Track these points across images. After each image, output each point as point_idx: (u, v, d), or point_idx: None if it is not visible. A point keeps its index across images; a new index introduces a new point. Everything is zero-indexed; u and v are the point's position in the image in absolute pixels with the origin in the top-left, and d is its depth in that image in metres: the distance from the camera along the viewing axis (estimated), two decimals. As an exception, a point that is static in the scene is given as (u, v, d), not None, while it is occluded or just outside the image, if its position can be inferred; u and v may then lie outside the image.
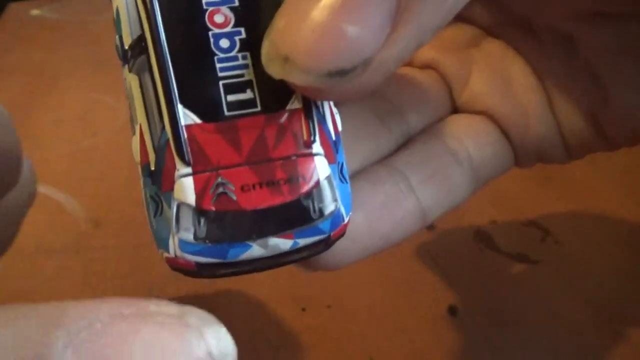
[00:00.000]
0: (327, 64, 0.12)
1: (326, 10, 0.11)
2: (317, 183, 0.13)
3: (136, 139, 0.14)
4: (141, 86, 0.13)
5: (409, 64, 0.24)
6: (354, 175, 0.19)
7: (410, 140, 0.21)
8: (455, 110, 0.23)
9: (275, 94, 0.13)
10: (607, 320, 0.29)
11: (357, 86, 0.12)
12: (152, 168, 0.13)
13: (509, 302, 0.31)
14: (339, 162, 0.14)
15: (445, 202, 0.20)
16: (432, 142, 0.21)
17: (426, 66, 0.23)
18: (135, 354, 0.09)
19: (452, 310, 0.30)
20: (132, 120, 0.14)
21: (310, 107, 0.13)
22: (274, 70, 0.12)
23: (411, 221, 0.19)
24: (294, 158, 0.13)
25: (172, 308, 0.10)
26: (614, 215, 0.36)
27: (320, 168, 0.13)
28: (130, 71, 0.14)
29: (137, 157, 0.14)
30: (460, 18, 0.23)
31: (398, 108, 0.21)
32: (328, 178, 0.13)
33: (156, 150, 0.13)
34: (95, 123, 0.48)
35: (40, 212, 0.38)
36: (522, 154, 0.22)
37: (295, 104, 0.13)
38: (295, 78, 0.12)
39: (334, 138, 0.14)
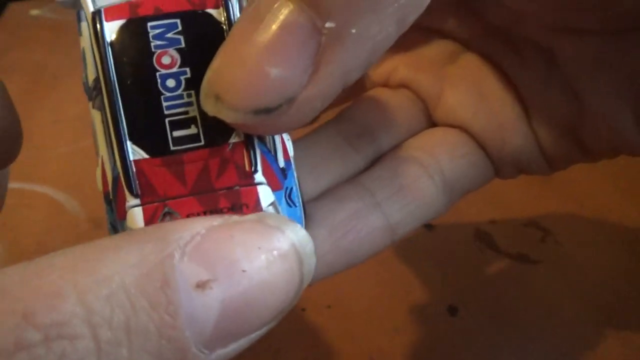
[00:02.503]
0: (253, 102, 0.12)
1: (253, 54, 0.12)
2: (260, 210, 0.14)
3: (99, 170, 0.15)
4: (102, 121, 0.14)
5: (384, 84, 0.24)
6: (321, 194, 0.19)
7: (381, 157, 0.21)
8: (433, 127, 0.23)
9: (218, 129, 0.14)
10: (607, 320, 0.30)
11: (285, 122, 0.13)
12: (111, 197, 0.14)
13: (508, 302, 0.31)
14: (287, 187, 0.15)
15: (415, 217, 0.20)
16: (402, 156, 0.21)
17: (400, 85, 0.23)
18: (235, 251, 0.11)
19: (452, 310, 0.30)
20: (96, 151, 0.15)
21: (252, 140, 0.14)
22: (208, 107, 0.13)
23: (377, 236, 0.19)
24: (237, 188, 0.14)
25: (252, 215, 0.13)
26: (613, 215, 0.36)
27: (264, 196, 0.14)
28: (93, 107, 0.15)
29: (100, 187, 0.15)
30: (438, 32, 0.23)
31: (367, 129, 0.21)
32: (272, 204, 0.14)
33: (112, 182, 0.14)
34: (95, 123, 0.48)
35: (40, 212, 0.38)
36: (501, 166, 0.22)
37: (237, 138, 0.14)
38: (225, 115, 0.13)
39: (282, 165, 0.15)
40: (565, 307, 0.30)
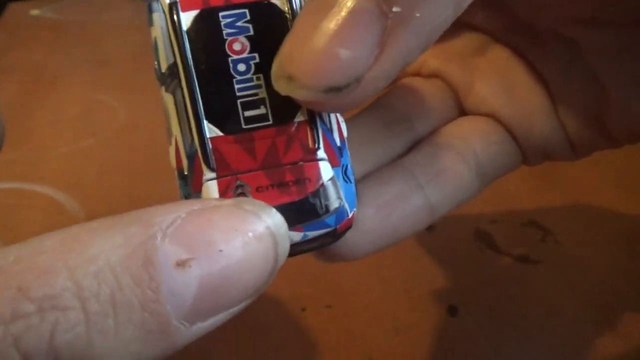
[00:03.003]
0: (324, 82, 0.14)
1: (323, 36, 0.13)
2: (322, 184, 0.15)
3: (172, 149, 0.16)
4: (175, 104, 0.16)
5: (417, 74, 0.25)
6: (366, 176, 0.20)
7: (419, 143, 0.22)
8: (463, 115, 0.24)
9: (284, 109, 0.15)
10: (606, 320, 0.30)
11: (351, 100, 0.14)
12: (185, 173, 0.16)
13: (509, 302, 0.31)
14: (343, 165, 0.16)
15: (452, 199, 0.21)
16: (439, 142, 0.22)
17: (432, 76, 0.24)
18: (213, 233, 0.12)
19: (452, 310, 0.30)
20: (169, 132, 0.16)
21: (314, 119, 0.15)
22: (280, 87, 0.14)
23: (419, 216, 0.20)
24: (301, 163, 0.15)
25: (229, 201, 0.13)
26: (614, 214, 0.36)
27: (324, 171, 0.15)
28: (166, 91, 0.16)
29: (173, 164, 0.16)
30: (467, 26, 0.23)
31: (405, 116, 0.22)
32: (332, 179, 0.15)
33: (188, 158, 0.15)
34: (94, 123, 0.48)
35: (40, 212, 0.38)
36: (529, 153, 0.23)
37: (301, 117, 0.15)
38: (298, 94, 0.14)
39: (338, 144, 0.16)
40: (565, 307, 0.30)
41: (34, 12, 0.71)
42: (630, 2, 0.18)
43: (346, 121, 0.22)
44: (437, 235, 0.35)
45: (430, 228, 0.35)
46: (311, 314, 0.30)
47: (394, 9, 0.13)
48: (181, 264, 0.12)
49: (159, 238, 0.12)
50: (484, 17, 0.23)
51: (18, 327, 0.10)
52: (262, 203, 0.14)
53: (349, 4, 0.13)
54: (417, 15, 0.14)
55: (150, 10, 0.17)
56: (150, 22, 0.17)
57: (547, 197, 0.38)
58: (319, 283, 0.32)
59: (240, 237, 0.13)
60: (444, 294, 0.31)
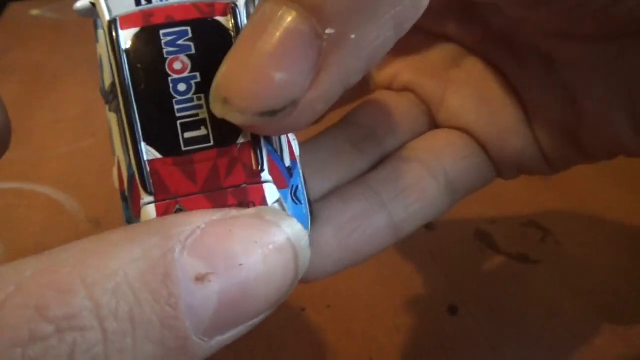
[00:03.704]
0: (258, 105, 0.13)
1: (257, 59, 0.13)
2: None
3: (115, 169, 0.16)
4: (118, 123, 0.15)
5: (387, 87, 0.24)
6: (327, 195, 0.20)
7: (386, 158, 0.22)
8: (436, 129, 0.23)
9: (226, 130, 0.14)
10: (607, 320, 0.29)
11: (290, 123, 0.14)
12: (127, 194, 0.15)
13: (508, 302, 0.31)
14: (292, 186, 0.16)
15: (419, 216, 0.20)
16: (406, 157, 0.21)
17: (404, 89, 0.24)
18: (233, 245, 0.12)
19: (452, 310, 0.30)
20: (113, 152, 0.16)
21: (258, 140, 0.15)
22: (216, 110, 0.14)
23: (382, 235, 0.20)
24: (244, 186, 0.14)
25: (250, 210, 0.13)
26: (614, 215, 0.36)
27: (270, 194, 0.15)
28: (109, 110, 0.16)
29: (117, 185, 0.16)
30: (441, 36, 0.23)
31: (372, 132, 0.22)
32: (278, 201, 0.15)
33: (127, 180, 0.15)
34: (94, 123, 0.48)
35: (40, 212, 0.38)
36: (503, 167, 0.22)
37: (244, 138, 0.15)
38: (233, 117, 0.14)
39: (287, 164, 0.16)
40: (565, 307, 0.30)
41: (34, 12, 0.71)
42: (603, 18, 0.18)
43: (312, 138, 0.21)
44: (437, 235, 0.35)
45: (430, 228, 0.35)
46: (311, 314, 0.30)
47: (328, 31, 0.13)
48: (200, 279, 0.12)
49: (177, 251, 0.12)
50: (458, 29, 0.22)
51: (36, 349, 0.10)
52: (283, 213, 0.13)
53: (283, 25, 0.13)
54: (353, 37, 0.13)
55: (95, 27, 0.16)
56: (96, 39, 0.16)
57: (547, 197, 0.38)
58: (318, 283, 0.32)
59: (260, 250, 0.12)
60: (444, 294, 0.31)
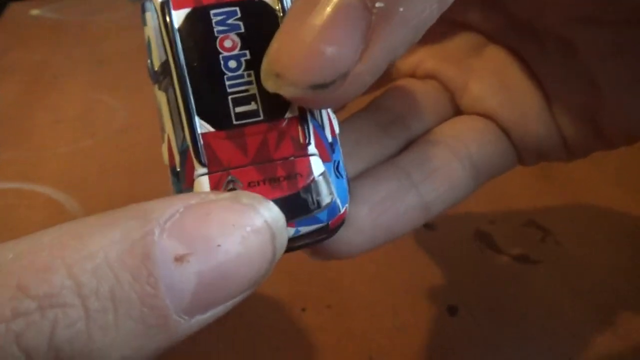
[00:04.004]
0: (310, 78, 0.14)
1: (308, 34, 0.14)
2: (313, 179, 0.15)
3: (165, 146, 0.16)
4: (168, 102, 0.16)
5: (412, 75, 0.25)
6: (360, 174, 0.20)
7: (413, 142, 0.22)
8: (459, 115, 0.23)
9: (275, 105, 0.15)
10: (607, 320, 0.30)
11: (339, 96, 0.14)
12: (178, 169, 0.16)
13: (508, 302, 0.31)
14: (334, 160, 0.16)
15: (446, 198, 0.21)
16: (433, 141, 0.22)
17: (428, 76, 0.24)
18: (211, 228, 0.12)
19: (452, 310, 0.30)
20: (162, 129, 0.16)
21: (305, 115, 0.15)
22: (269, 84, 0.14)
23: (413, 214, 0.20)
24: (292, 158, 0.15)
25: (226, 194, 0.13)
26: (614, 214, 0.36)
27: (316, 166, 0.15)
28: (159, 89, 0.16)
29: (166, 161, 0.16)
30: (463, 25, 0.23)
31: (399, 116, 0.22)
32: (323, 174, 0.15)
33: (180, 155, 0.16)
34: (94, 123, 0.48)
35: (40, 212, 0.38)
36: (524, 153, 0.23)
37: (292, 113, 0.15)
38: (285, 91, 0.14)
39: (330, 140, 0.16)
40: (565, 307, 0.30)
41: (34, 12, 0.71)
42: (625, 2, 0.18)
43: (341, 122, 0.22)
44: (437, 235, 0.35)
45: (430, 228, 0.35)
46: (311, 314, 0.30)
47: (378, 5, 0.14)
48: (179, 259, 0.12)
49: (156, 233, 0.12)
50: (480, 16, 0.23)
51: (19, 324, 0.11)
52: (259, 196, 0.14)
53: (333, 0, 0.13)
54: (401, 9, 0.14)
55: (143, 10, 0.17)
56: (143, 22, 0.17)
57: (547, 197, 0.38)
58: (318, 282, 0.32)
59: (238, 232, 0.13)
60: (444, 294, 0.31)
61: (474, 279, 0.32)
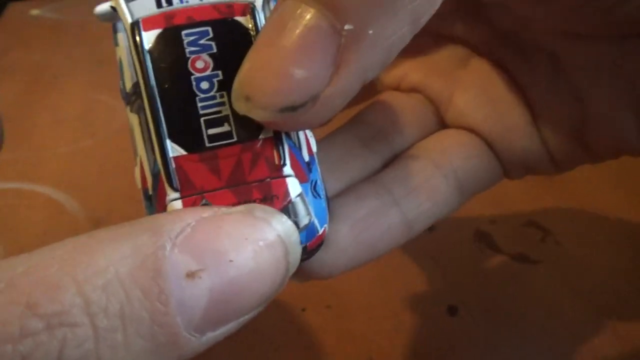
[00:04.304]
0: (280, 101, 0.13)
1: (278, 56, 0.13)
2: (290, 200, 0.15)
3: (138, 169, 0.16)
4: (140, 124, 0.16)
5: (397, 88, 0.24)
6: (341, 193, 0.20)
7: (397, 157, 0.22)
8: (444, 128, 0.23)
9: (248, 126, 0.15)
10: (607, 320, 0.29)
11: (310, 119, 0.14)
12: (150, 193, 0.15)
13: (508, 302, 0.31)
14: (312, 180, 0.16)
15: (430, 214, 0.20)
16: (416, 156, 0.21)
17: (413, 90, 0.24)
18: (223, 242, 0.12)
19: (452, 310, 0.30)
20: (134, 152, 0.16)
21: (280, 135, 0.15)
22: (239, 107, 0.14)
23: (396, 232, 0.20)
24: (267, 180, 0.15)
25: (239, 207, 0.13)
26: (614, 215, 0.36)
27: (292, 187, 0.15)
28: (131, 111, 0.16)
29: (139, 184, 0.16)
30: (448, 38, 0.23)
31: (382, 131, 0.22)
32: (300, 195, 0.15)
33: (152, 178, 0.15)
34: (94, 123, 0.48)
35: (40, 212, 0.38)
36: (510, 166, 0.22)
37: (266, 133, 0.15)
38: (255, 114, 0.14)
39: (307, 159, 0.16)
40: (565, 307, 0.30)
41: (34, 12, 0.71)
42: (609, 17, 0.18)
43: (324, 137, 0.21)
44: (437, 235, 0.35)
45: (430, 228, 0.35)
46: (311, 314, 0.30)
47: (347, 27, 0.13)
48: (191, 275, 0.12)
49: (168, 248, 0.12)
50: (465, 29, 0.23)
51: (27, 345, 0.10)
52: (273, 209, 0.14)
53: (302, 22, 0.13)
54: (371, 32, 0.13)
55: (114, 30, 0.16)
56: (115, 42, 0.16)
57: (547, 197, 0.38)
58: (319, 283, 0.32)
59: (250, 247, 0.12)
60: (444, 294, 0.31)
61: (473, 279, 0.32)
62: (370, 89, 0.25)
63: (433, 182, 0.21)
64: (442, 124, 0.23)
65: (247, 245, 0.12)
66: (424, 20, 0.14)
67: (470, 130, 0.22)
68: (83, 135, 0.47)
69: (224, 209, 0.13)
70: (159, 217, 0.12)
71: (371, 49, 0.14)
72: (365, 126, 0.22)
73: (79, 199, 0.39)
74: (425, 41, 0.24)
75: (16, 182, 0.41)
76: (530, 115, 0.22)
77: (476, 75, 0.23)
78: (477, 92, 0.23)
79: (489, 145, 0.22)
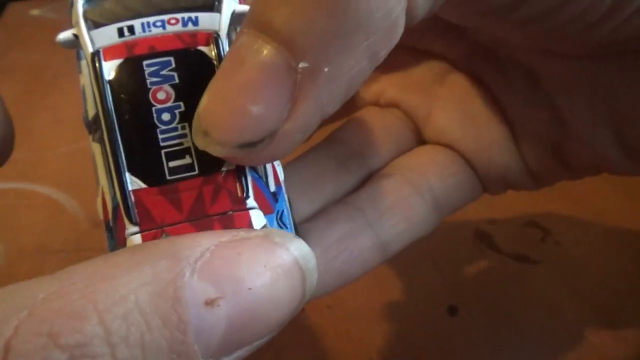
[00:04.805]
0: (237, 138, 0.13)
1: (235, 93, 0.13)
2: None
3: (99, 199, 0.16)
4: (102, 153, 0.15)
5: (375, 103, 0.24)
6: (313, 216, 0.20)
7: (372, 176, 0.22)
8: (422, 144, 0.23)
9: (211, 158, 0.14)
10: (607, 320, 0.30)
11: (269, 154, 0.14)
12: (111, 225, 0.15)
13: (508, 302, 0.31)
14: (277, 211, 0.16)
15: (405, 235, 0.20)
16: (392, 175, 0.21)
17: (390, 105, 0.24)
18: (242, 269, 0.12)
19: (452, 310, 0.30)
20: (97, 182, 0.16)
21: (243, 167, 0.15)
22: (198, 142, 0.14)
23: (369, 255, 0.20)
24: (230, 213, 0.14)
25: (258, 232, 0.13)
26: (614, 215, 0.36)
27: (256, 220, 0.14)
28: (93, 140, 0.16)
29: (101, 215, 0.16)
30: (426, 53, 0.23)
31: (357, 150, 0.22)
32: (264, 228, 0.15)
33: (112, 210, 0.15)
34: (95, 123, 0.48)
35: (40, 212, 0.38)
36: (489, 183, 0.22)
37: (229, 166, 0.15)
38: (214, 150, 0.14)
39: (272, 189, 0.16)
40: (565, 307, 0.30)
41: (34, 12, 0.71)
42: (586, 38, 0.18)
43: (297, 157, 0.21)
44: (437, 235, 0.35)
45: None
46: (311, 314, 0.30)
47: (301, 65, 0.13)
48: (210, 303, 0.12)
49: (187, 274, 0.12)
50: (443, 44, 0.22)
51: None
52: (291, 234, 0.14)
53: (258, 59, 0.13)
54: (327, 69, 0.13)
55: (78, 58, 0.16)
56: (79, 70, 0.16)
57: (547, 197, 0.38)
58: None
59: (269, 274, 0.12)
60: (443, 294, 0.31)
61: (473, 279, 0.32)
62: (350, 105, 0.25)
63: (409, 201, 0.20)
64: (420, 140, 0.23)
65: (265, 272, 0.12)
66: (382, 54, 0.14)
67: (449, 146, 0.22)
68: (83, 135, 0.46)
69: (242, 233, 0.13)
70: (178, 241, 0.12)
71: (328, 85, 0.14)
72: (341, 145, 0.22)
73: (79, 199, 0.39)
74: (404, 56, 0.24)
75: (16, 182, 0.41)
76: (509, 131, 0.22)
77: (455, 91, 0.23)
78: (455, 108, 0.22)
79: (468, 161, 0.22)
